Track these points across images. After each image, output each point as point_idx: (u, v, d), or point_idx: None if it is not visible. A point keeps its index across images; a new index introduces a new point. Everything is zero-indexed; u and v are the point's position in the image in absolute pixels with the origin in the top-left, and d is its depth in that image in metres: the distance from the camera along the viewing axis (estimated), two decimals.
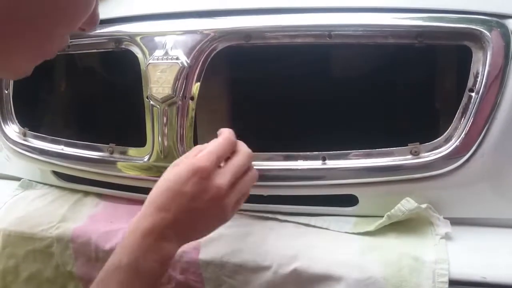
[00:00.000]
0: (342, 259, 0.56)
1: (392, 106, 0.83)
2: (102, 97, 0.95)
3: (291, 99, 0.85)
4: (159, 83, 0.64)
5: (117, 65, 0.80)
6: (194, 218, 0.50)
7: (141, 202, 0.73)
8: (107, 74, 0.94)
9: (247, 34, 0.62)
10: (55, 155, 0.75)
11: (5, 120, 0.81)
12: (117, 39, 0.70)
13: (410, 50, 0.60)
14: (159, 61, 0.64)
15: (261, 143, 0.64)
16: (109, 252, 0.65)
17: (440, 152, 0.57)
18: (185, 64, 0.63)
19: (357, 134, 0.63)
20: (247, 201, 0.57)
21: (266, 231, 0.63)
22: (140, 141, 0.69)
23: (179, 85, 0.63)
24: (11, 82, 0.81)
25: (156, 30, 0.67)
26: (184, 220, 0.49)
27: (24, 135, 0.80)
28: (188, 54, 0.64)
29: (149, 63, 0.65)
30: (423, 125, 0.69)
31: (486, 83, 0.55)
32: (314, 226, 0.62)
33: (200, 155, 0.50)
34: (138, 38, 0.67)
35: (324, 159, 0.61)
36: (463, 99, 0.56)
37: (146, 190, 0.70)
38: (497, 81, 0.55)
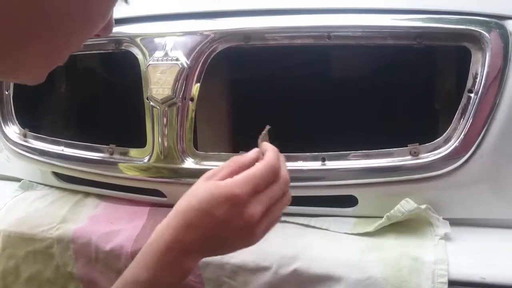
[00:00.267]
0: (342, 259, 0.56)
1: (391, 107, 0.83)
2: (102, 98, 0.96)
3: (290, 100, 0.86)
4: (159, 84, 0.64)
5: (117, 66, 0.80)
6: (221, 241, 0.48)
7: (140, 203, 0.74)
8: (107, 75, 0.94)
9: (246, 35, 0.63)
10: (56, 156, 0.75)
11: (5, 121, 0.82)
12: (117, 40, 0.70)
13: (409, 51, 0.60)
14: (159, 62, 0.65)
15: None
16: (109, 253, 0.65)
17: (439, 153, 0.57)
18: (185, 65, 0.63)
19: (357, 135, 0.63)
20: None
21: None
22: (140, 142, 0.69)
23: (179, 86, 0.64)
24: (12, 84, 0.81)
25: (156, 31, 0.67)
26: (210, 241, 0.48)
27: (25, 136, 0.80)
28: (188, 55, 0.64)
29: (149, 64, 0.65)
30: (422, 125, 0.69)
31: (485, 84, 0.55)
32: (314, 227, 0.62)
33: (239, 178, 0.47)
34: (138, 39, 0.67)
35: (323, 160, 0.61)
36: (462, 99, 0.57)
37: (146, 191, 0.71)
38: (496, 82, 0.55)
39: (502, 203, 0.59)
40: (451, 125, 0.57)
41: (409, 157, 0.58)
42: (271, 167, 0.48)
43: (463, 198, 0.59)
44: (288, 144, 0.63)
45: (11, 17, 0.36)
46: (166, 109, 0.64)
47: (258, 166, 0.48)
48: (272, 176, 0.49)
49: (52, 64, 0.44)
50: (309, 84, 0.82)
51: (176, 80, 0.63)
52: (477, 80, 0.56)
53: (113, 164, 0.70)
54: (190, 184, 0.48)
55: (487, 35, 0.55)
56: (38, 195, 0.79)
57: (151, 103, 0.65)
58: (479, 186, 0.58)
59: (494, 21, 0.56)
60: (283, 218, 0.64)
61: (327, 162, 0.61)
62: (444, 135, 0.58)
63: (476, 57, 0.56)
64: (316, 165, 0.61)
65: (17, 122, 0.81)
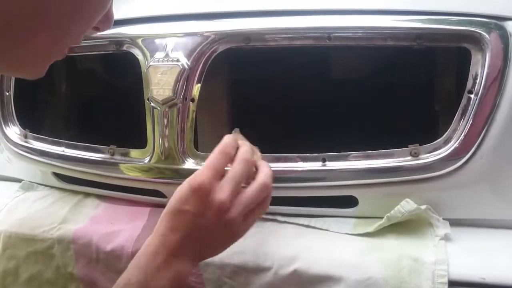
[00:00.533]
0: (342, 260, 0.56)
1: (391, 107, 0.83)
2: (102, 99, 0.96)
3: (291, 101, 0.86)
4: (159, 85, 0.64)
5: (117, 67, 0.81)
6: (202, 235, 0.49)
7: (141, 203, 0.74)
8: (108, 76, 0.94)
9: (247, 36, 0.63)
10: (56, 156, 0.76)
11: (6, 122, 0.82)
12: (118, 41, 0.70)
13: (409, 52, 0.60)
14: (159, 63, 0.65)
15: (261, 145, 0.65)
16: (110, 253, 0.65)
17: (439, 154, 0.57)
18: (186, 66, 0.64)
19: (357, 135, 0.63)
20: None
21: (266, 232, 0.63)
22: (140, 143, 0.69)
23: (179, 87, 0.64)
24: (13, 84, 0.81)
25: (156, 32, 0.67)
26: (192, 238, 0.49)
27: (25, 136, 0.80)
28: (188, 56, 0.64)
29: (150, 65, 0.65)
30: (422, 126, 0.69)
31: (485, 84, 0.55)
32: (314, 227, 0.63)
33: (197, 171, 0.49)
34: (139, 40, 0.67)
35: (324, 160, 0.61)
36: (462, 100, 0.57)
37: (147, 192, 0.71)
38: (496, 83, 0.55)
39: (502, 203, 0.59)
40: (451, 126, 0.57)
41: (409, 157, 0.59)
42: (221, 151, 0.50)
43: (463, 198, 0.59)
44: (288, 144, 0.63)
45: (12, 17, 0.36)
46: (167, 110, 0.65)
47: (212, 153, 0.50)
48: (226, 156, 0.50)
49: (52, 58, 0.44)
50: (309, 84, 0.82)
51: (177, 81, 0.64)
52: (477, 81, 0.56)
53: (113, 165, 0.70)
54: None
55: (487, 36, 0.55)
56: (38, 196, 0.79)
57: (152, 104, 0.66)
58: (479, 187, 0.58)
59: (494, 22, 0.56)
60: (283, 219, 0.64)
61: (327, 163, 0.61)
62: (444, 135, 0.58)
63: (476, 58, 0.56)
64: (316, 165, 0.61)
65: (17, 123, 0.81)
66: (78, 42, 0.44)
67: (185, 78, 0.64)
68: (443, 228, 0.58)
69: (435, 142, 0.58)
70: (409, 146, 0.59)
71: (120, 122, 0.91)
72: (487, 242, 0.58)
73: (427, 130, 0.65)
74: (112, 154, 0.71)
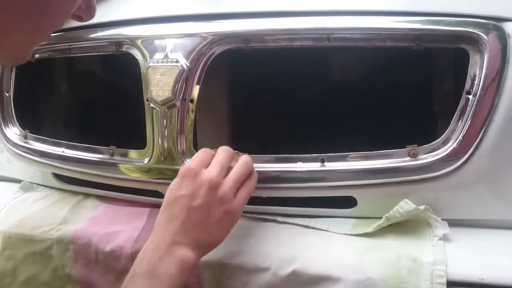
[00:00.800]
0: (340, 260, 0.56)
1: (390, 108, 0.84)
2: (102, 99, 0.96)
3: (290, 101, 0.86)
4: (159, 85, 0.64)
5: (117, 67, 0.81)
6: (198, 216, 0.52)
7: (141, 204, 0.74)
8: (107, 77, 0.95)
9: (246, 37, 0.63)
10: (56, 157, 0.76)
11: (6, 123, 0.82)
12: (118, 42, 0.70)
13: (408, 53, 0.60)
14: (159, 64, 0.65)
15: (260, 145, 0.65)
16: (109, 254, 0.65)
17: (438, 154, 0.57)
18: (185, 67, 0.64)
19: (356, 136, 0.63)
20: (247, 203, 0.57)
21: (265, 232, 0.63)
22: (140, 144, 0.69)
23: (179, 88, 0.64)
24: (12, 85, 0.81)
25: (156, 33, 0.67)
26: (189, 221, 0.52)
27: (25, 137, 0.80)
28: (187, 57, 0.64)
29: (149, 66, 0.65)
30: (421, 127, 0.69)
31: (483, 85, 0.55)
32: (313, 228, 0.63)
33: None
34: (138, 41, 0.68)
35: (323, 161, 0.61)
36: (461, 101, 0.57)
37: (146, 192, 0.71)
38: (494, 84, 0.55)
39: (500, 204, 0.60)
40: (449, 127, 0.57)
41: (408, 158, 0.59)
42: (203, 149, 0.58)
43: (462, 199, 0.59)
44: (288, 145, 0.64)
45: None
46: (166, 110, 0.65)
47: None
48: (209, 152, 0.58)
49: (32, 42, 0.44)
50: (308, 85, 0.82)
51: (176, 81, 0.64)
52: (475, 82, 0.56)
53: (113, 165, 0.70)
54: None
55: (485, 37, 0.55)
56: (38, 196, 0.80)
57: (151, 104, 0.66)
58: (478, 187, 0.59)
59: (492, 23, 0.56)
60: (282, 219, 0.65)
61: (326, 163, 0.61)
62: (442, 136, 0.58)
63: (474, 59, 0.56)
64: (315, 166, 0.62)
65: (17, 124, 0.82)
66: (59, 25, 0.45)
67: (184, 79, 0.64)
68: (442, 229, 0.58)
69: (433, 142, 0.58)
70: (407, 146, 0.59)
71: (119, 122, 0.91)
72: (485, 242, 0.58)
73: (425, 131, 0.65)
74: (112, 155, 0.71)
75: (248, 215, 0.66)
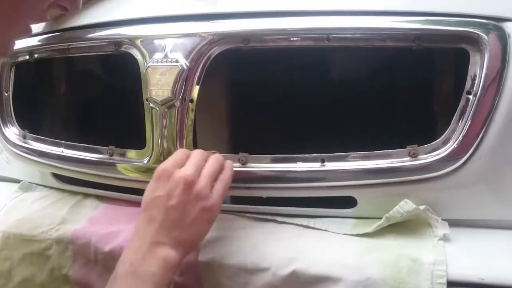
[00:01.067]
0: (340, 260, 0.56)
1: (390, 108, 0.84)
2: (101, 99, 0.96)
3: (290, 101, 0.86)
4: (158, 85, 0.64)
5: (116, 67, 0.81)
6: (176, 215, 0.52)
7: (140, 204, 0.74)
8: (107, 77, 0.95)
9: (245, 37, 0.63)
10: (55, 157, 0.76)
11: (5, 123, 0.82)
12: (117, 42, 0.70)
13: (408, 53, 0.60)
14: (158, 64, 0.65)
15: (260, 145, 0.65)
16: (108, 254, 0.65)
17: (438, 154, 0.57)
18: (185, 66, 0.64)
19: (356, 136, 0.63)
20: (247, 203, 0.57)
21: (265, 233, 0.63)
22: (139, 143, 0.69)
23: (178, 88, 0.64)
24: (11, 85, 0.81)
25: (155, 33, 0.67)
26: (167, 221, 0.52)
27: (24, 137, 0.80)
28: (187, 57, 0.64)
29: (149, 66, 0.65)
30: (421, 127, 0.69)
31: (483, 85, 0.55)
32: (313, 228, 0.63)
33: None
34: (137, 41, 0.67)
35: (323, 161, 0.61)
36: (461, 101, 0.57)
37: None
38: (494, 84, 0.55)
39: (500, 204, 0.60)
40: (449, 127, 0.57)
41: (408, 158, 0.59)
42: (178, 150, 0.61)
43: (462, 199, 0.59)
44: (288, 145, 0.64)
45: None
46: (166, 110, 0.65)
47: None
48: (184, 152, 0.58)
49: (10, 31, 0.44)
50: (308, 85, 0.82)
51: (176, 81, 0.64)
52: (476, 82, 0.56)
53: (112, 165, 0.70)
54: None
55: (485, 37, 0.55)
56: (37, 196, 0.79)
57: (151, 104, 0.66)
58: (478, 187, 0.59)
59: (493, 23, 0.56)
60: (282, 219, 0.65)
61: (326, 163, 0.61)
62: (442, 136, 0.58)
63: (474, 59, 0.56)
64: (315, 166, 0.61)
65: (16, 124, 0.82)
66: (41, 18, 0.45)
67: (184, 78, 0.64)
68: (442, 229, 0.58)
69: (433, 142, 0.58)
70: (407, 146, 0.59)
71: (119, 122, 0.91)
72: (486, 242, 0.58)
73: (425, 131, 0.65)
74: (111, 155, 0.71)
75: (248, 215, 0.66)
